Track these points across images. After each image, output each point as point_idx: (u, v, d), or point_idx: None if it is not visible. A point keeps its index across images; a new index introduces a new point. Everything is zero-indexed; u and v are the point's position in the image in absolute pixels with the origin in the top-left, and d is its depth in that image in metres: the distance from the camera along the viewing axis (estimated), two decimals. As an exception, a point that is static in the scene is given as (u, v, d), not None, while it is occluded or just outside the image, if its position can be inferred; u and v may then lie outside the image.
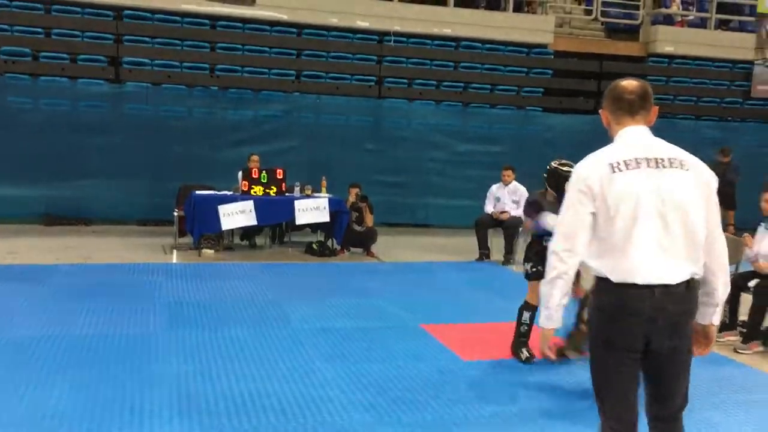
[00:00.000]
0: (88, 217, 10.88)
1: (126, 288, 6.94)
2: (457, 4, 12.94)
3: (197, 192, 9.19)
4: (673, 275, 2.49)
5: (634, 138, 2.63)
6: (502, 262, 9.32)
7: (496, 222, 9.45)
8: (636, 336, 2.50)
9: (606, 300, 2.55)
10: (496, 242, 9.53)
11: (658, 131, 10.44)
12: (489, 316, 6.52)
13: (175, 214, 9.45)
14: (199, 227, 9.00)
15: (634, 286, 2.47)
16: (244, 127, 11.44)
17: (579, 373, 4.79)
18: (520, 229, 9.47)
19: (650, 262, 2.47)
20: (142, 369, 4.62)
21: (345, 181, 10.01)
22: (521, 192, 9.51)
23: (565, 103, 13.58)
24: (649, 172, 2.51)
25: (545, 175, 5.20)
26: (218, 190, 9.45)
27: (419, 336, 5.77)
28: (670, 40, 14.06)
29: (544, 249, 4.60)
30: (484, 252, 9.48)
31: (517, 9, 13.49)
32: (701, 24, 14.56)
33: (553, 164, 5.17)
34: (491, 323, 6.26)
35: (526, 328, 5.15)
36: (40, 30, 11.34)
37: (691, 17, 14.62)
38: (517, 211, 9.43)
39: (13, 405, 3.94)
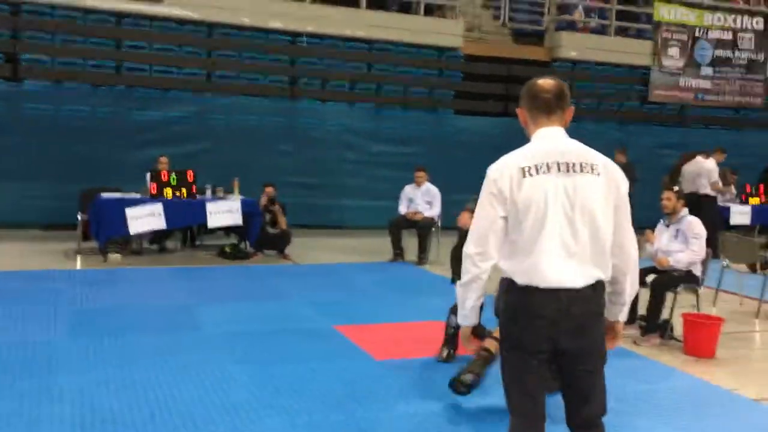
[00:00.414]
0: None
1: (26, 296, 6.62)
2: (369, 7, 13.00)
3: (103, 195, 8.87)
4: (579, 279, 2.53)
5: (549, 140, 2.64)
6: (415, 262, 9.44)
7: (410, 223, 9.57)
8: (540, 337, 2.54)
9: (511, 301, 2.60)
10: (410, 243, 9.64)
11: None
12: (402, 315, 6.60)
13: (79, 217, 9.08)
14: (105, 231, 8.68)
15: (538, 289, 2.51)
16: (152, 128, 11.12)
17: (493, 374, 4.92)
18: (433, 229, 9.63)
19: (556, 266, 2.51)
20: (43, 380, 4.42)
21: (258, 183, 9.89)
22: (434, 193, 9.68)
23: (474, 105, 13.88)
24: (559, 176, 2.53)
25: None
26: (126, 193, 9.15)
27: (332, 337, 5.78)
28: (573, 46, 14.59)
29: None
30: (398, 252, 9.58)
31: (428, 13, 13.68)
32: (602, 31, 15.19)
33: None
34: (404, 323, 6.34)
35: (452, 330, 5.15)
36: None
37: (592, 24, 15.23)
38: (431, 212, 9.60)
39: None
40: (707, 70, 15.02)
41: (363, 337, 5.77)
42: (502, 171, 2.58)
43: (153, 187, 8.97)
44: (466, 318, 2.72)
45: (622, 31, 15.32)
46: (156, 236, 9.53)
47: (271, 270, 8.74)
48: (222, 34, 12.21)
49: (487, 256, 2.57)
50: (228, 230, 9.72)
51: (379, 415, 4.16)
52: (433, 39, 13.39)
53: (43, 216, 10.53)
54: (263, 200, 9.50)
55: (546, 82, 2.67)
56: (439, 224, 9.77)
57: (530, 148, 2.63)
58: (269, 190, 9.52)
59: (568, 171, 2.54)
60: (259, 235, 9.40)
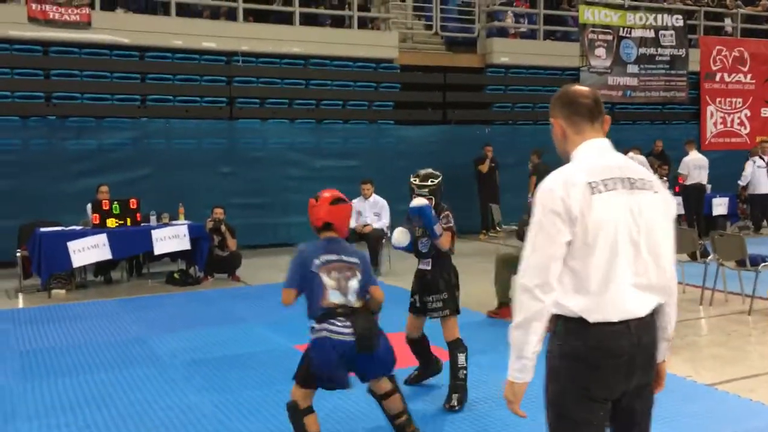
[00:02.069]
0: None
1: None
2: (302, 23, 13.01)
3: (42, 229, 8.59)
4: (645, 306, 2.26)
5: (603, 151, 2.33)
6: (368, 274, 9.45)
7: (360, 236, 9.59)
8: (617, 380, 2.23)
9: (580, 344, 2.21)
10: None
11: (503, 137, 11.11)
12: (361, 329, 6.58)
13: (18, 254, 8.76)
14: (48, 267, 8.41)
15: (610, 324, 2.20)
16: (88, 157, 10.83)
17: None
18: (383, 240, 9.68)
19: (626, 295, 2.22)
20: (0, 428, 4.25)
21: (203, 207, 9.75)
22: (381, 204, 9.73)
23: (414, 115, 14.03)
24: (625, 194, 2.23)
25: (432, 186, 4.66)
26: (66, 226, 8.88)
27: (294, 357, 5.70)
28: (504, 51, 14.92)
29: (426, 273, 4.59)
30: (350, 266, 9.56)
31: (362, 26, 13.78)
32: (531, 35, 15.59)
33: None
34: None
35: (466, 372, 4.56)
36: None
37: (522, 29, 15.61)
38: (379, 223, 9.64)
39: None
40: (633, 68, 15.56)
41: (325, 354, 5.73)
42: (568, 187, 2.19)
43: (95, 218, 8.74)
44: (525, 370, 2.21)
45: (550, 35, 15.76)
46: (100, 267, 9.27)
47: (223, 293, 8.62)
48: (154, 57, 12.02)
49: (549, 288, 2.17)
50: (175, 256, 9.53)
51: (358, 427, 4.15)
52: (368, 51, 13.50)
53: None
54: (209, 223, 9.37)
55: (582, 88, 2.41)
56: (389, 235, 9.80)
57: (587, 162, 2.28)
58: (218, 211, 9.39)
59: (631, 188, 2.25)
60: (208, 259, 9.26)
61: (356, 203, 9.79)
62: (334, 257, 3.67)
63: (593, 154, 2.30)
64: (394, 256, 9.92)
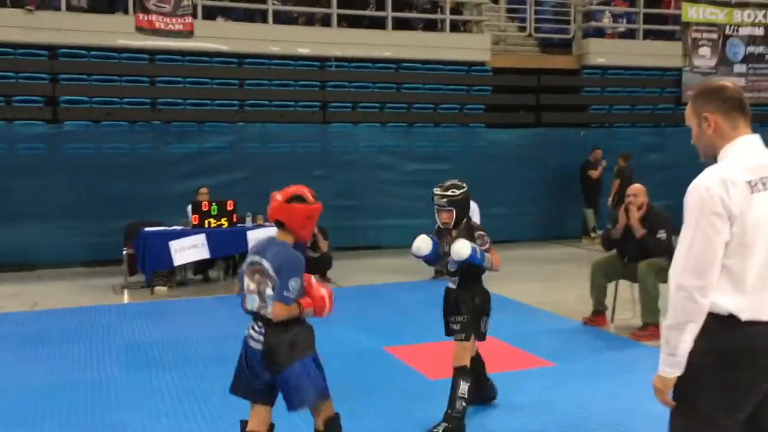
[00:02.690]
0: (32, 262, 10.53)
1: (79, 332, 6.74)
2: (395, 27, 13.11)
3: (146, 229, 9.02)
4: None
5: (759, 149, 2.30)
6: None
7: (449, 239, 9.53)
8: (764, 380, 2.22)
9: (728, 343, 2.19)
10: (451, 259, 9.60)
11: (598, 140, 10.77)
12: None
13: (125, 252, 9.24)
14: (151, 264, 8.82)
15: (761, 323, 2.19)
16: (189, 161, 11.30)
17: (534, 384, 4.87)
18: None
19: None
20: (105, 417, 4.49)
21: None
22: (472, 208, 9.61)
23: (505, 118, 13.86)
24: None
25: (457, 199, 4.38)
26: (168, 226, 9.29)
27: (383, 358, 5.77)
28: (601, 52, 14.51)
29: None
30: (439, 270, 9.53)
31: (454, 29, 13.75)
32: (630, 35, 15.09)
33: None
34: (453, 341, 6.28)
35: (465, 405, 4.13)
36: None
37: (620, 29, 15.14)
38: (469, 227, 9.55)
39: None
40: (740, 68, 14.79)
41: (413, 357, 5.75)
42: (727, 185, 2.17)
43: (195, 219, 9.11)
44: (677, 365, 2.22)
45: (650, 34, 15.19)
46: (199, 267, 9.65)
47: (314, 294, 8.76)
48: (252, 64, 12.41)
49: (708, 291, 2.17)
50: (269, 257, 9.78)
51: None
52: (460, 54, 13.45)
53: (87, 253, 10.74)
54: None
55: (730, 83, 2.38)
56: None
57: (745, 159, 2.25)
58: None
59: (759, 188, 2.21)
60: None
61: (446, 206, 9.74)
62: (257, 259, 3.25)
63: (750, 151, 2.28)
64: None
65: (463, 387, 4.09)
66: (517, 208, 12.85)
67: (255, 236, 9.17)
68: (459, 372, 4.15)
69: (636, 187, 6.66)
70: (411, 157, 12.47)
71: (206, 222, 9.11)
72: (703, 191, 2.18)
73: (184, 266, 9.46)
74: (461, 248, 4.05)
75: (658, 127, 14.50)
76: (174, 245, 8.74)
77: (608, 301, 6.83)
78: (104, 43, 11.46)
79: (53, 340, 6.39)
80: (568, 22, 14.74)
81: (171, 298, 8.57)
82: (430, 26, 13.76)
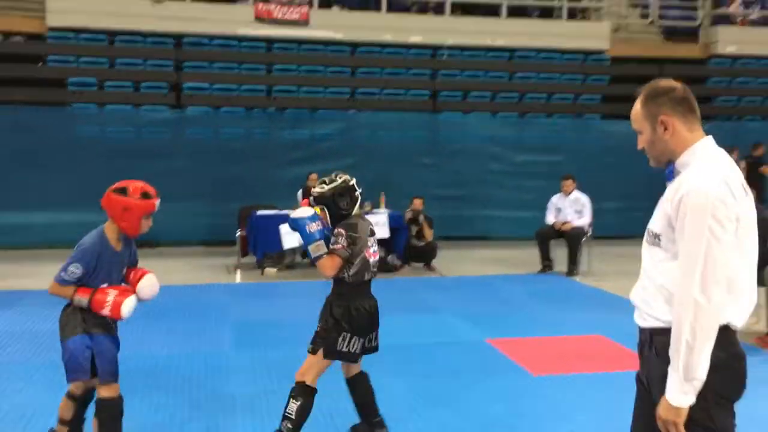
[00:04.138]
0: (154, 240, 11.15)
1: (195, 309, 7.07)
2: (510, 15, 12.86)
3: (258, 212, 9.33)
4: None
5: (722, 152, 2.20)
6: (566, 273, 9.14)
7: (558, 233, 9.29)
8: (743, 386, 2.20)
9: (724, 355, 2.09)
10: (560, 253, 9.36)
11: (725, 133, 10.16)
12: (556, 329, 6.39)
13: (238, 234, 9.61)
14: (262, 246, 9.13)
15: (735, 330, 2.15)
16: (301, 147, 11.58)
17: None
18: (583, 239, 9.29)
19: (752, 301, 2.19)
20: (217, 389, 4.69)
21: (403, 197, 10.00)
22: (583, 201, 9.35)
23: (623, 109, 13.28)
24: (748, 199, 2.15)
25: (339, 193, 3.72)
26: (279, 209, 9.58)
27: (486, 351, 5.70)
28: (731, 41, 13.66)
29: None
30: (547, 264, 9.32)
31: (572, 17, 13.32)
32: (764, 22, 14.09)
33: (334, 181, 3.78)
34: (559, 336, 6.14)
35: (290, 426, 3.55)
36: (104, 60, 11.76)
37: (753, 15, 14.17)
38: (580, 221, 9.28)
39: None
40: None
41: (517, 351, 5.64)
42: (731, 188, 2.07)
43: (304, 203, 9.31)
44: (694, 391, 2.04)
45: (787, 21, 14.15)
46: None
47: (418, 282, 8.79)
48: (365, 52, 12.54)
49: (724, 303, 2.06)
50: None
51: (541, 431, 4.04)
52: (577, 43, 13.05)
53: (203, 233, 11.26)
54: (409, 214, 9.60)
55: (676, 82, 2.25)
56: (590, 234, 9.42)
57: (723, 161, 2.17)
58: (417, 202, 9.59)
59: (746, 193, 2.15)
60: (405, 248, 9.50)
61: (556, 199, 9.50)
62: None
63: (719, 154, 2.17)
64: (593, 255, 9.51)
65: (292, 406, 3.52)
66: (633, 203, 12.31)
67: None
68: (294, 387, 3.60)
69: None
70: (522, 148, 12.22)
71: (315, 207, 9.28)
72: (711, 196, 2.02)
73: (293, 249, 9.72)
74: (300, 211, 3.63)
75: (792, 121, 13.51)
76: (284, 229, 8.98)
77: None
78: (226, 32, 11.93)
79: (171, 315, 6.73)
80: (694, 9, 13.96)
81: (280, 279, 8.83)
82: (546, 13, 13.40)
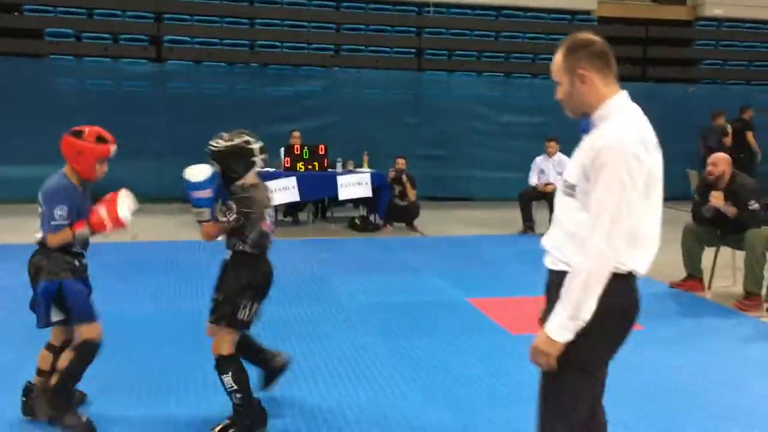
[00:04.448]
0: (134, 196, 11.03)
1: (174, 265, 7.04)
2: (496, -27, 12.69)
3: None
4: None
5: (636, 108, 2.23)
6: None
7: (541, 194, 9.32)
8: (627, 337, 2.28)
9: (625, 301, 2.20)
10: (541, 215, 9.40)
11: (708, 97, 10.17)
12: (536, 289, 6.42)
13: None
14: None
15: (635, 278, 2.23)
16: (284, 104, 11.44)
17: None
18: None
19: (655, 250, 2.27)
20: (196, 345, 4.68)
21: (386, 156, 9.95)
22: (566, 163, 9.35)
23: (609, 70, 13.28)
24: (657, 152, 2.21)
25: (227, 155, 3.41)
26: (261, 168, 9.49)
27: (466, 310, 5.74)
28: (719, 3, 13.60)
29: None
30: (529, 225, 9.37)
31: (559, -25, 13.17)
32: (753, -16, 14.01)
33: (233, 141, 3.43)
34: (539, 296, 6.18)
35: (240, 396, 3.40)
36: (82, 11, 11.46)
37: (742, -22, 14.08)
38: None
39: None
40: None
41: (497, 310, 5.69)
42: (645, 144, 2.13)
43: (287, 161, 9.25)
44: (575, 329, 2.13)
45: (775, -16, 14.07)
46: (289, 209, 9.84)
47: (400, 242, 8.81)
48: (350, 8, 12.33)
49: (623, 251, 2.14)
50: (357, 202, 9.88)
51: (522, 389, 4.08)
52: (564, 3, 12.90)
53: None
54: (392, 173, 9.56)
55: (596, 36, 2.26)
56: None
57: (635, 118, 2.20)
58: (401, 161, 9.56)
59: (657, 148, 2.20)
60: (388, 208, 9.49)
61: (539, 161, 9.50)
62: (40, 191, 3.42)
63: (634, 109, 2.22)
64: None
65: (228, 380, 3.37)
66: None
67: (346, 181, 9.26)
68: (217, 363, 3.41)
69: (716, 157, 6.21)
70: (507, 109, 12.18)
71: (298, 165, 9.24)
72: (625, 151, 2.07)
73: (275, 207, 9.67)
74: (196, 171, 3.36)
75: (776, 86, 13.54)
76: (270, 185, 8.92)
77: (707, 267, 6.51)
78: (207, -16, 11.65)
79: (150, 271, 6.70)
80: (684, -30, 13.84)
81: (262, 237, 8.79)
82: (534, -28, 13.22)
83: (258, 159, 3.45)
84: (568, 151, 9.50)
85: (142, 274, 6.60)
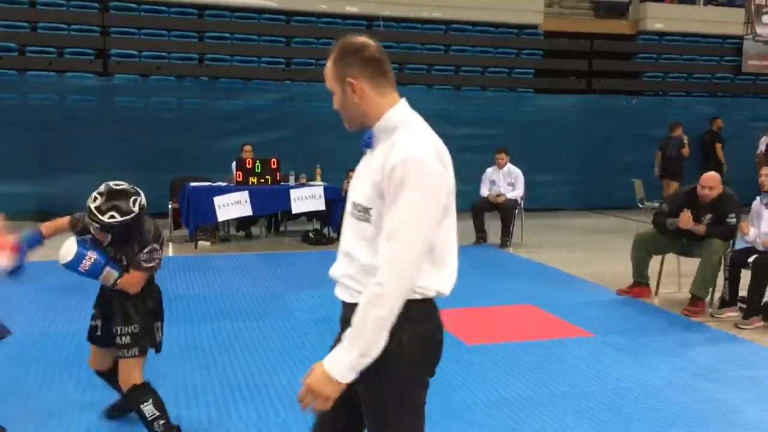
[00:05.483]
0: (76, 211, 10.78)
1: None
2: (446, -13, 12.86)
3: (191, 184, 9.13)
4: None
5: (421, 119, 2.03)
6: (499, 245, 9.32)
7: (493, 205, 9.44)
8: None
9: (432, 324, 2.00)
10: (493, 225, 9.52)
11: (651, 109, 10.46)
12: (490, 299, 6.52)
13: (170, 206, 9.39)
14: (195, 219, 8.95)
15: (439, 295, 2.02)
16: (235, 118, 11.36)
17: (606, 361, 4.81)
18: (516, 211, 9.47)
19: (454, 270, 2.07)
20: (146, 370, 4.58)
21: (339, 170, 9.95)
22: (516, 174, 9.52)
23: (556, 83, 13.56)
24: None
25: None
26: (212, 182, 9.40)
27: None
28: (659, 17, 14.04)
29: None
30: (481, 235, 9.47)
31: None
32: (690, 0, 14.52)
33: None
34: (492, 307, 6.27)
35: (163, 423, 3.33)
36: (25, 24, 11.20)
37: (680, -6, 14.60)
38: (513, 194, 9.45)
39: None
40: (807, 37, 14.15)
41: (451, 320, 5.70)
42: (441, 157, 1.92)
43: (239, 175, 9.18)
44: (360, 368, 1.86)
45: (711, 0, 14.62)
46: (242, 223, 9.76)
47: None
48: (300, 21, 12.34)
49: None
50: (311, 216, 9.85)
51: (473, 399, 4.12)
52: (511, 17, 13.16)
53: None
54: (346, 185, 9.57)
55: (370, 40, 2.01)
56: (522, 206, 9.61)
57: (427, 131, 2.00)
58: (353, 175, 9.56)
59: (450, 163, 1.99)
60: (340, 221, 9.47)
61: (490, 172, 9.64)
62: None
63: (419, 119, 2.01)
64: (526, 227, 9.73)
65: (147, 408, 3.30)
66: (565, 176, 12.65)
67: (299, 194, 9.23)
68: (132, 394, 3.34)
69: (711, 179, 6.11)
70: (458, 122, 12.32)
71: (250, 179, 9.17)
72: (424, 165, 1.84)
73: (227, 222, 9.58)
74: (65, 252, 3.19)
75: (715, 97, 14.03)
76: (218, 201, 8.84)
77: (653, 273, 6.69)
78: (154, -3, 11.52)
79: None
80: (625, -15, 14.27)
81: (214, 252, 8.70)
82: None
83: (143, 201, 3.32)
84: (518, 162, 9.69)
85: (86, 293, 6.43)
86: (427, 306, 1.98)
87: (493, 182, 9.57)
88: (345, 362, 1.84)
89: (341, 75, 1.97)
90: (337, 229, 9.53)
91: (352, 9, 12.37)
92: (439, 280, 1.97)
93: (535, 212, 10.85)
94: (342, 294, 2.06)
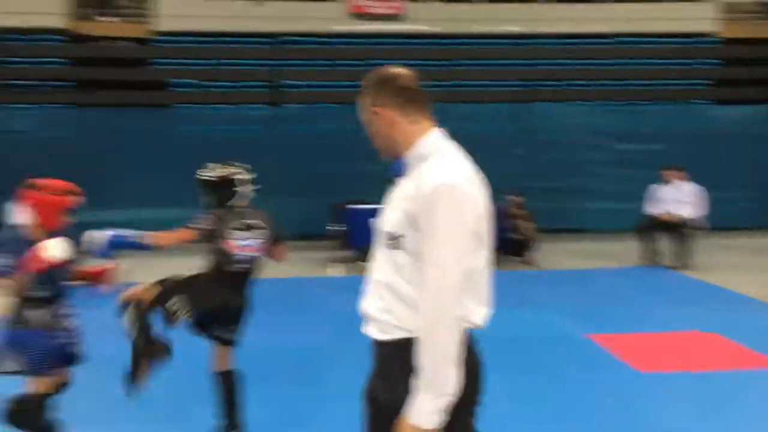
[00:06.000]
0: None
1: (292, 302, 7.19)
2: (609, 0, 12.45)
3: (350, 206, 9.41)
4: None
5: (455, 147, 2.00)
6: (671, 266, 8.71)
7: (663, 224, 8.86)
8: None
9: (468, 358, 1.93)
10: (665, 246, 8.93)
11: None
12: (665, 325, 6.09)
13: (333, 228, 9.71)
14: (357, 241, 9.20)
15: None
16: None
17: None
18: (687, 230, 8.82)
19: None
20: (321, 380, 4.73)
21: (497, 189, 9.83)
22: (687, 191, 8.91)
23: (736, 93, 12.59)
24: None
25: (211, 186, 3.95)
26: (369, 204, 9.62)
27: (586, 346, 5.49)
28: None
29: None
30: (650, 256, 8.91)
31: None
32: None
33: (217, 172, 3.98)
34: (669, 332, 5.84)
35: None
36: (206, 62, 12.20)
37: None
38: (686, 212, 8.83)
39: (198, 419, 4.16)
40: None
41: (622, 346, 5.40)
42: (474, 185, 1.91)
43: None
44: (445, 408, 1.84)
45: None
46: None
47: (513, 275, 8.60)
48: (462, 44, 12.45)
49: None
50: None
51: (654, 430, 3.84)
52: (683, 26, 12.46)
53: (295, 227, 11.43)
54: (512, 208, 9.42)
55: (404, 69, 2.02)
56: (698, 225, 8.94)
57: (459, 158, 1.97)
58: (516, 200, 9.47)
59: (483, 188, 1.97)
60: (501, 240, 9.31)
61: (657, 189, 9.12)
62: None
63: (452, 148, 1.97)
64: (703, 247, 9.03)
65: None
66: (745, 193, 11.64)
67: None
68: (226, 377, 3.92)
69: None
70: (622, 137, 11.77)
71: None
72: (460, 193, 1.83)
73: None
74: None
75: None
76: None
77: None
78: (319, 30, 12.13)
79: (272, 307, 6.86)
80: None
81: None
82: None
83: (243, 189, 3.93)
84: (694, 178, 9.04)
85: (263, 310, 6.75)
86: (469, 337, 1.95)
87: (661, 200, 9.00)
88: (425, 408, 1.81)
89: (372, 105, 2.01)
90: (498, 248, 9.37)
91: (512, 28, 12.29)
92: (473, 313, 1.93)
93: (717, 231, 10.05)
94: (374, 332, 2.02)
